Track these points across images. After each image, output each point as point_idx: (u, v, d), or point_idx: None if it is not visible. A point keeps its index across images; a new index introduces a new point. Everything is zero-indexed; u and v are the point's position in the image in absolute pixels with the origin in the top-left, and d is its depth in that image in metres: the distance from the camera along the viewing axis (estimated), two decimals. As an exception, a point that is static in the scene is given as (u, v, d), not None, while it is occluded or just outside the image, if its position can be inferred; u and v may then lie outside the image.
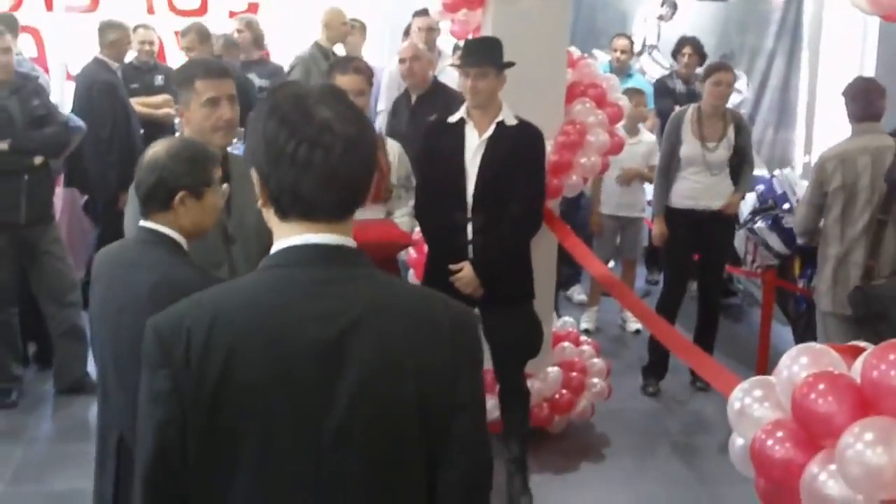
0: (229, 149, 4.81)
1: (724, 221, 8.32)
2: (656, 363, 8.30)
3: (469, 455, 2.37)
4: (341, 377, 2.25)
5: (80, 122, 8.17)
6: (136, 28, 10.05)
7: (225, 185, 4.13)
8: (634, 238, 10.03)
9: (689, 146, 8.13)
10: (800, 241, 7.21)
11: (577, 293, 10.57)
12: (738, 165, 8.22)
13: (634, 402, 8.06)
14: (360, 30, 10.79)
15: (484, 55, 6.00)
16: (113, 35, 9.42)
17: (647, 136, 9.84)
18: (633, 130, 9.51)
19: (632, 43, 11.26)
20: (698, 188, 8.16)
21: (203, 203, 3.96)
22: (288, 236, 2.37)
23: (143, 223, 3.96)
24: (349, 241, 2.40)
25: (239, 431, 2.25)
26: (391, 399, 2.28)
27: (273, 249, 2.39)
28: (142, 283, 3.70)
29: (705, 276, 8.46)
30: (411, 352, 2.30)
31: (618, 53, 10.97)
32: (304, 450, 2.26)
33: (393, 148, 6.22)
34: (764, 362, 7.85)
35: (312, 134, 2.30)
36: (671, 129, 8.21)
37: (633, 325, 9.68)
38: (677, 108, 8.84)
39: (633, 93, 9.45)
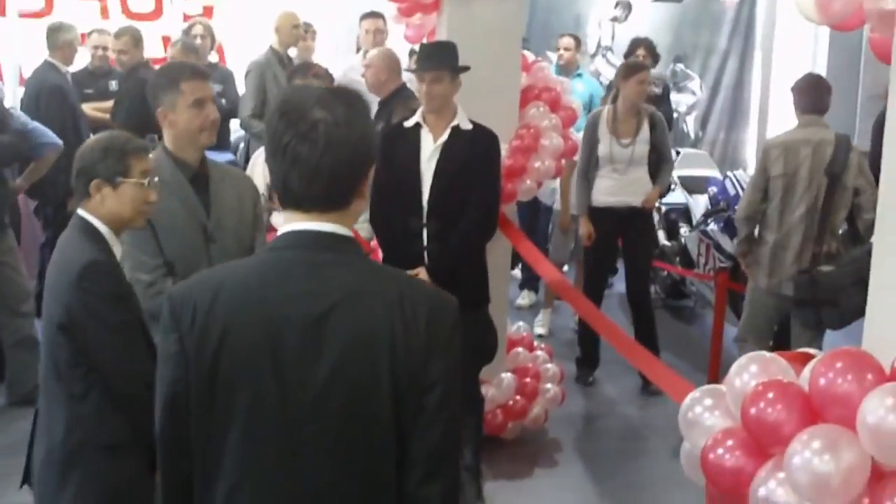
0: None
1: (643, 216, 8.51)
2: (589, 354, 8.50)
3: (438, 426, 2.54)
4: (321, 352, 2.50)
5: (54, 139, 8.03)
6: (90, 33, 10.01)
7: (155, 180, 4.18)
8: None
9: (605, 144, 8.29)
10: (740, 228, 7.34)
11: (521, 297, 10.56)
12: (657, 162, 8.40)
13: (588, 407, 8.08)
14: (312, 34, 10.77)
15: (439, 59, 6.01)
16: (62, 37, 9.40)
17: None
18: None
19: (578, 42, 11.25)
20: (617, 185, 8.32)
21: (119, 193, 4.06)
22: (288, 223, 2.62)
23: (77, 210, 4.12)
24: (342, 230, 2.60)
25: (232, 393, 2.53)
26: (366, 375, 2.50)
27: (277, 234, 2.65)
28: (63, 268, 3.95)
29: (631, 272, 8.63)
30: (386, 333, 2.50)
31: (561, 51, 10.98)
32: (286, 415, 2.52)
33: None
34: (716, 364, 7.91)
35: (302, 131, 2.52)
36: (588, 130, 8.33)
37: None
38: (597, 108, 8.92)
39: None
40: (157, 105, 4.67)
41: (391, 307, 2.51)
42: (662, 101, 10.75)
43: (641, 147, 8.29)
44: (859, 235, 7.01)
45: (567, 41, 11.07)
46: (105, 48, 9.97)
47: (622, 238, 8.48)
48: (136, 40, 9.61)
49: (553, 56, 11.20)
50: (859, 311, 6.57)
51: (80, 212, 4.09)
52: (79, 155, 4.12)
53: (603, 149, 8.28)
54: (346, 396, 2.50)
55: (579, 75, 10.91)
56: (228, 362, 2.53)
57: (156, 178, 4.20)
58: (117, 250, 4.11)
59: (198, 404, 2.57)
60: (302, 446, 2.52)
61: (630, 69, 8.38)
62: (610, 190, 8.33)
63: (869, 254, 6.60)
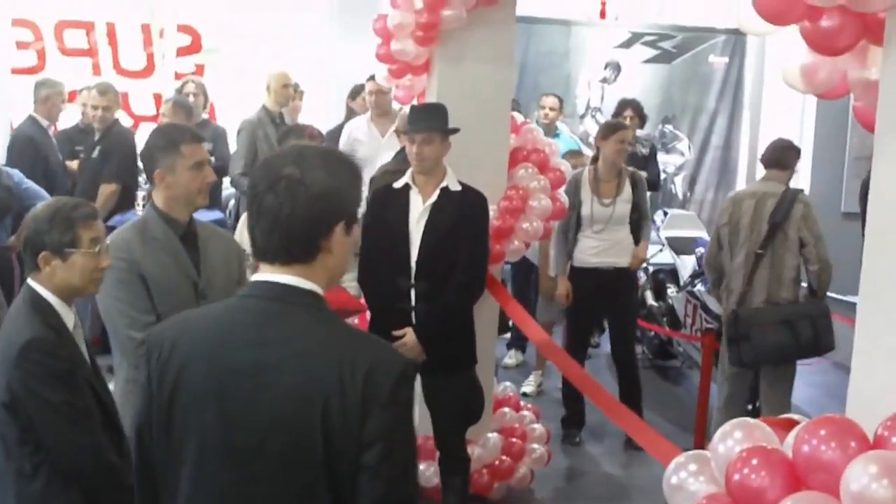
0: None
1: (627, 277, 8.50)
2: (575, 413, 8.45)
3: (380, 484, 2.54)
4: (261, 401, 2.57)
5: (47, 197, 8.02)
6: (81, 90, 10.06)
7: (106, 244, 4.16)
8: None
9: (587, 204, 8.29)
10: (707, 276, 7.84)
11: (508, 357, 10.54)
12: (637, 220, 8.42)
13: (575, 467, 8.06)
14: (300, 94, 10.84)
15: (429, 121, 6.03)
16: (44, 92, 9.52)
17: None
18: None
19: (561, 102, 11.32)
20: (601, 246, 8.32)
21: (69, 265, 3.99)
22: (259, 273, 2.71)
23: (27, 279, 4.06)
24: (304, 283, 2.66)
25: (185, 430, 2.65)
26: (301, 430, 2.55)
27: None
28: (6, 344, 3.90)
29: (616, 333, 8.59)
30: (322, 390, 2.53)
31: (546, 110, 11.03)
32: (230, 456, 2.61)
33: None
34: (703, 425, 7.90)
35: (270, 184, 2.62)
36: (571, 190, 8.21)
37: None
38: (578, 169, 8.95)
39: (572, 155, 9.47)
40: (155, 166, 4.68)
41: (331, 364, 2.54)
42: (650, 161, 10.80)
43: (623, 206, 8.29)
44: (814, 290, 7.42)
45: (552, 101, 11.13)
46: (94, 106, 9.91)
47: (607, 299, 8.41)
48: (118, 97, 9.67)
49: (536, 115, 11.23)
50: (774, 351, 7.21)
51: (30, 282, 4.04)
52: (24, 224, 4.09)
53: (585, 209, 8.28)
54: (284, 446, 2.56)
55: (557, 135, 10.95)
56: (181, 401, 2.65)
57: (107, 243, 4.17)
58: (69, 320, 4.06)
59: (158, 437, 2.70)
60: (246, 485, 2.60)
61: (609, 129, 8.38)
62: (593, 251, 8.33)
63: (811, 302, 7.04)
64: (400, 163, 7.75)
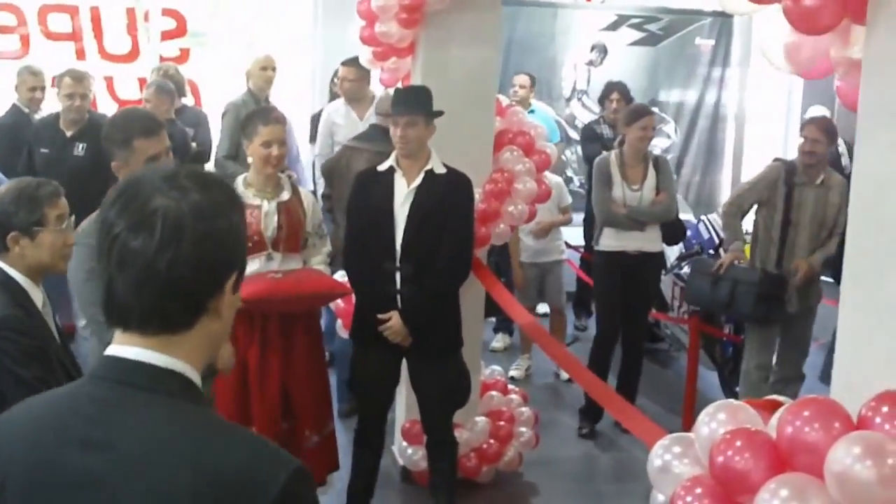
0: None
1: (653, 265, 8.44)
2: (592, 406, 8.23)
3: None
4: None
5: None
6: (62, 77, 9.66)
7: (71, 220, 4.18)
8: (557, 283, 9.81)
9: (618, 189, 8.20)
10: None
11: (495, 341, 10.55)
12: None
13: (563, 450, 8.06)
14: (272, 69, 10.75)
15: (413, 104, 6.01)
16: (20, 79, 9.46)
17: (552, 178, 8.98)
18: None
19: (532, 80, 11.31)
20: (628, 231, 8.21)
21: (38, 243, 4.04)
22: (112, 344, 2.10)
23: None
24: (171, 361, 2.04)
25: None
26: None
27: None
28: None
29: (632, 320, 8.49)
30: (169, 499, 1.93)
31: (516, 87, 11.04)
32: None
33: (307, 197, 6.22)
34: (690, 407, 7.90)
35: (136, 222, 2.01)
36: (603, 175, 8.20)
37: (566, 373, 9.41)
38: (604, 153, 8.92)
39: None
40: (112, 157, 4.68)
41: (186, 472, 1.93)
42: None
43: (650, 191, 8.21)
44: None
45: (522, 79, 11.14)
46: (69, 95, 9.11)
47: (632, 283, 8.28)
48: (91, 83, 9.42)
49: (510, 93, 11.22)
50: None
51: (1, 264, 4.06)
52: None
53: (616, 193, 8.20)
54: None
55: (532, 111, 10.93)
56: None
57: (72, 219, 4.19)
58: (38, 298, 4.09)
59: None
60: None
61: (633, 115, 8.28)
62: (621, 236, 8.23)
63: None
64: (362, 141, 7.74)
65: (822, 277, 7.83)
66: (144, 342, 2.03)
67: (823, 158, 7.66)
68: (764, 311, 7.58)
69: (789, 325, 7.79)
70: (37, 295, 4.08)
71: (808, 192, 7.61)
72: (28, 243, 4.02)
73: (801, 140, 7.67)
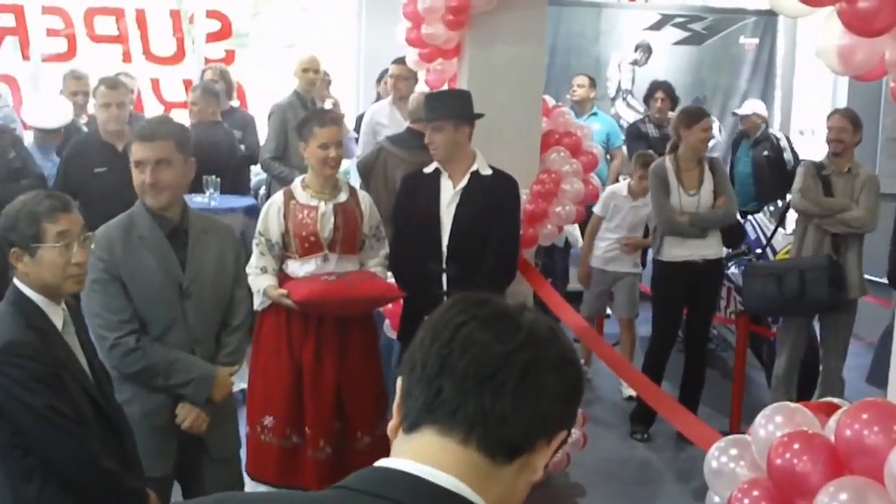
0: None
1: (715, 272, 8.16)
2: (644, 409, 7.90)
3: None
4: None
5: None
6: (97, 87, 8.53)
7: (83, 238, 3.94)
8: (626, 295, 9.25)
9: (675, 196, 7.88)
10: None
11: None
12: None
13: (611, 451, 8.01)
14: (325, 83, 10.73)
15: (440, 109, 6.02)
16: (68, 83, 9.37)
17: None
18: (639, 192, 8.90)
19: (592, 81, 11.28)
20: (690, 239, 7.90)
21: (37, 261, 3.82)
22: (392, 454, 1.90)
23: (13, 279, 3.92)
24: (473, 496, 1.74)
25: None
26: None
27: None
28: None
29: (695, 328, 8.27)
30: None
31: (575, 87, 11.03)
32: None
33: (364, 199, 6.20)
34: (738, 407, 7.87)
35: (489, 321, 1.80)
36: (661, 182, 7.88)
37: (627, 391, 8.94)
38: (650, 153, 8.85)
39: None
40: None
41: None
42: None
43: (708, 196, 7.91)
44: None
45: (581, 79, 11.13)
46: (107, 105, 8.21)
47: (694, 291, 8.01)
48: (129, 89, 8.83)
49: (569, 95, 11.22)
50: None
51: (15, 281, 3.89)
52: None
53: (674, 200, 7.89)
54: None
55: (595, 114, 10.93)
56: None
57: (83, 237, 3.95)
58: (57, 317, 3.90)
59: None
60: None
61: (692, 117, 7.91)
62: (684, 244, 7.90)
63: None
64: (401, 148, 7.56)
65: (867, 276, 7.78)
66: (455, 462, 1.74)
67: (850, 147, 7.65)
68: (836, 295, 7.51)
69: (832, 320, 7.79)
70: (56, 314, 3.91)
71: (837, 180, 7.65)
72: (29, 260, 3.82)
73: (827, 130, 7.69)
